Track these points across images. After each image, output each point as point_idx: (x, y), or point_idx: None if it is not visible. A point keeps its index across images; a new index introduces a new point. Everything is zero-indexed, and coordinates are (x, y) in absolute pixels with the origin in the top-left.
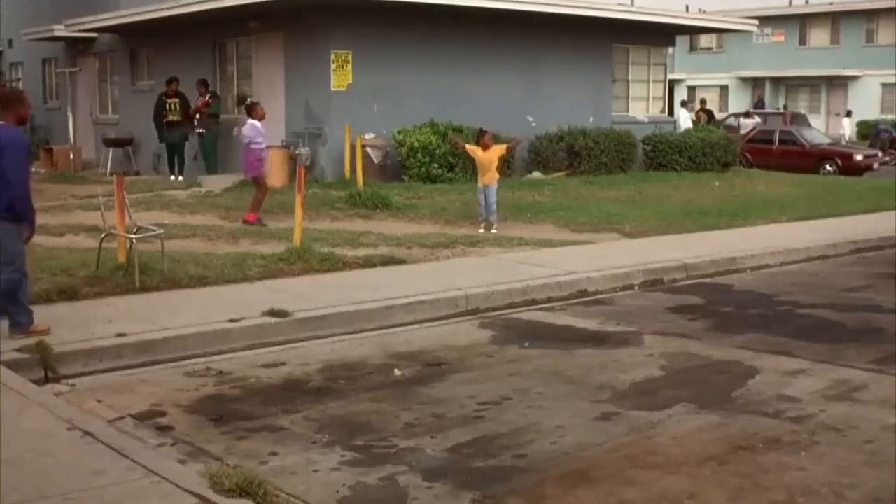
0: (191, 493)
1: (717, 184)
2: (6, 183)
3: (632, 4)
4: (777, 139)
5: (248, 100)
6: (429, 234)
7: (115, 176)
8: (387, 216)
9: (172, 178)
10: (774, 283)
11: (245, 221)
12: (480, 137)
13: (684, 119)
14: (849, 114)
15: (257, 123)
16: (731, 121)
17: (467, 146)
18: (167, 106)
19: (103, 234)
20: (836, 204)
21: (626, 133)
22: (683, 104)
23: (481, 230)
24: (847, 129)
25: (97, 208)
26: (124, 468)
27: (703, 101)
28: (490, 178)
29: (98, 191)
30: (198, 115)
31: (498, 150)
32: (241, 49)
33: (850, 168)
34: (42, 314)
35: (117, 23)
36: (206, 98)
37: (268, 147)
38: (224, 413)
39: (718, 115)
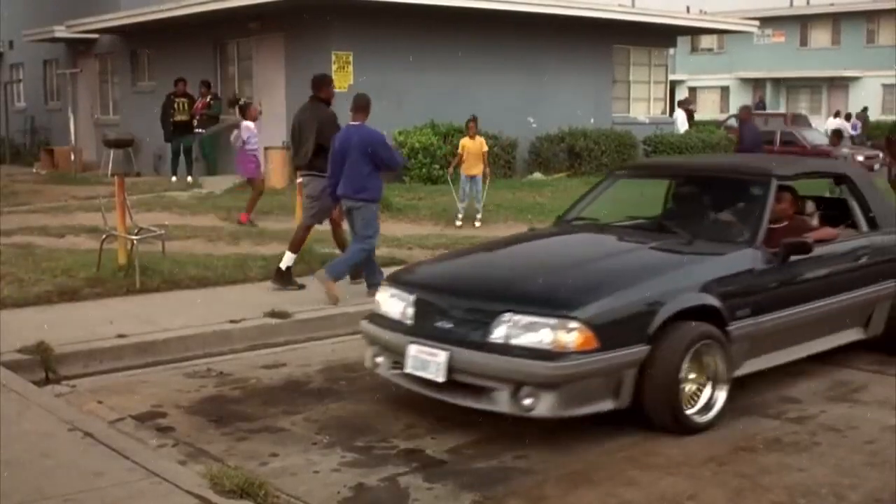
0: (191, 493)
1: None
2: (375, 171)
3: (632, 5)
4: (778, 140)
5: (242, 100)
6: (429, 235)
7: (115, 177)
8: (387, 217)
9: (174, 178)
10: None
11: (239, 223)
12: (468, 123)
13: (682, 122)
14: (837, 114)
15: (251, 124)
16: (732, 121)
17: (458, 150)
18: (175, 105)
19: (104, 236)
20: None
21: (627, 134)
22: (680, 104)
23: (459, 223)
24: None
25: (98, 209)
26: (125, 469)
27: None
28: (476, 170)
29: (99, 192)
30: (198, 117)
31: (482, 143)
32: (242, 50)
33: None
34: (42, 315)
35: (118, 24)
36: (207, 99)
37: (265, 148)
38: (224, 414)
39: (720, 116)
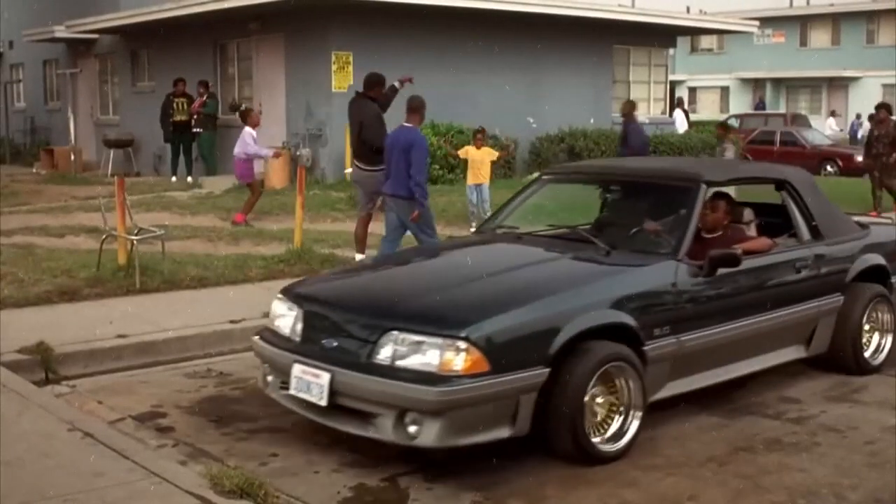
0: (191, 494)
1: None
2: (409, 174)
3: (632, 5)
4: (778, 140)
5: (243, 106)
6: None
7: (115, 177)
8: None
9: (174, 178)
10: None
11: (234, 223)
12: (476, 134)
13: (681, 122)
14: (833, 114)
15: (252, 131)
16: (732, 121)
17: (459, 152)
18: (174, 106)
19: (104, 236)
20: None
21: None
22: (679, 104)
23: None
24: (831, 129)
25: (98, 209)
26: (125, 469)
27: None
28: (482, 177)
29: (99, 192)
30: (195, 116)
31: (489, 153)
32: (242, 50)
33: (850, 169)
34: (42, 315)
35: (118, 24)
36: (203, 98)
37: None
38: (225, 414)
39: (720, 116)
